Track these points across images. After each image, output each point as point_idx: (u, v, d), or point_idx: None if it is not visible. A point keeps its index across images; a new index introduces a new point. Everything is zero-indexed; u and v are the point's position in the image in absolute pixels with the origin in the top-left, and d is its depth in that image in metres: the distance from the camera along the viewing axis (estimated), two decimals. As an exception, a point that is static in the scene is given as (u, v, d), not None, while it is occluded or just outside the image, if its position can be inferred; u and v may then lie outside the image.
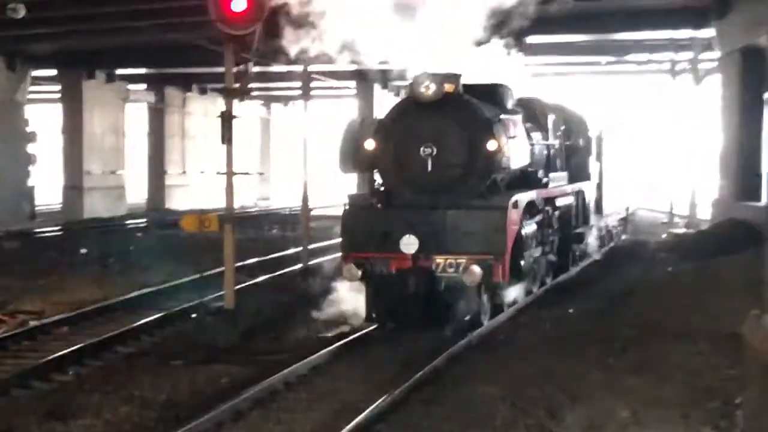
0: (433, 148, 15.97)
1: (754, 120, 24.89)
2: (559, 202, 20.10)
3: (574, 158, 22.06)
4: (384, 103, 48.02)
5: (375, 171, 17.14)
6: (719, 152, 32.20)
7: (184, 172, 51.94)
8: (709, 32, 33.11)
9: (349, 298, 18.65)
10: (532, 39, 27.38)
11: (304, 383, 13.20)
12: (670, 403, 11.70)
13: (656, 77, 45.89)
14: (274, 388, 12.60)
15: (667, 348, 14.56)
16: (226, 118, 15.67)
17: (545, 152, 19.91)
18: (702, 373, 13.00)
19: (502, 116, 17.04)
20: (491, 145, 16.10)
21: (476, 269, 15.42)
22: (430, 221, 15.80)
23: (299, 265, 21.00)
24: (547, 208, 19.11)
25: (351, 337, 15.55)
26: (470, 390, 12.62)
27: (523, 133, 17.95)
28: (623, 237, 31.85)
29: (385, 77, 46.18)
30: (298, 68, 21.05)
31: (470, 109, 16.39)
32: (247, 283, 17.10)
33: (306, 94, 21.47)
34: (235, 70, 15.83)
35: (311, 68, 21.29)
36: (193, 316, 17.41)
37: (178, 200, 49.37)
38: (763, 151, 23.59)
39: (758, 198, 22.82)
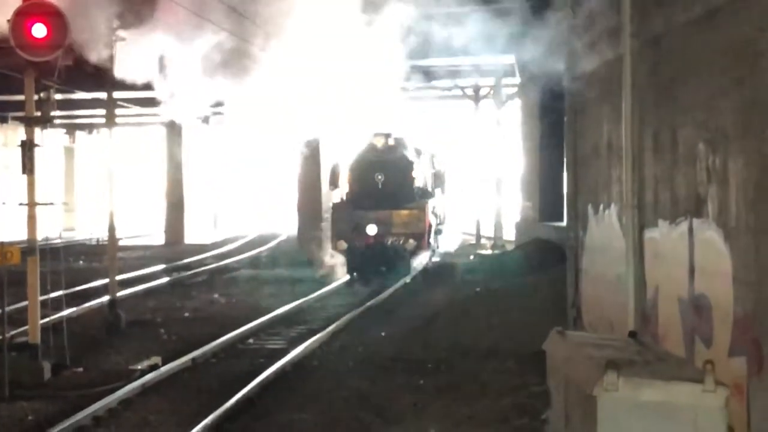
0: (382, 176, 28.89)
1: (554, 143, 25.69)
2: (437, 207, 32.27)
3: (437, 180, 33.28)
4: (193, 129, 47.67)
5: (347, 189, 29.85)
6: (521, 175, 33.12)
7: (-16, 204, 50.14)
8: (510, 58, 34.08)
9: (164, 323, 18.39)
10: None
11: (114, 417, 12.90)
12: (480, 422, 11.94)
13: (462, 102, 46.81)
14: (81, 424, 12.26)
15: (476, 368, 14.87)
16: (27, 148, 15.21)
17: (429, 177, 32.15)
18: (510, 391, 13.32)
19: (416, 157, 30.27)
20: (414, 174, 29.50)
21: (412, 242, 28.36)
22: (382, 216, 28.45)
23: (107, 297, 20.54)
24: (434, 210, 31.51)
25: (163, 368, 15.28)
26: (285, 417, 12.60)
27: (422, 166, 31.01)
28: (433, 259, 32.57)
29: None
30: (102, 95, 20.63)
31: (401, 154, 29.73)
32: (52, 317, 16.58)
33: (111, 121, 21.04)
34: (36, 97, 15.38)
35: (116, 95, 20.87)
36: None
37: (-22, 233, 47.65)
38: (563, 172, 24.39)
39: (560, 218, 23.54)
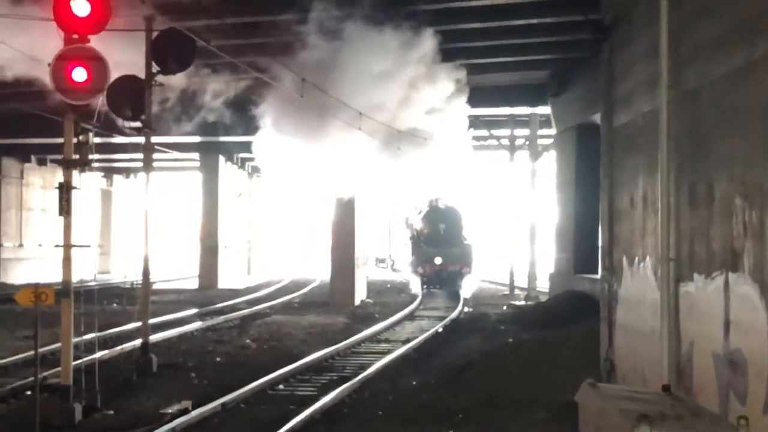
0: (444, 225, 44.85)
1: (589, 194, 25.63)
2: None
3: (465, 230, 46.13)
4: (228, 174, 47.97)
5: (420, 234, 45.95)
6: (556, 226, 33.02)
7: (21, 245, 50.46)
8: (546, 109, 34.13)
9: (195, 367, 18.31)
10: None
11: (144, 461, 12.88)
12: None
13: (496, 153, 46.92)
14: (111, 467, 12.25)
15: (507, 418, 14.75)
16: (65, 190, 15.34)
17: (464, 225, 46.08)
18: (541, 443, 13.20)
19: (461, 214, 45.89)
20: (463, 225, 45.39)
21: (467, 269, 43.52)
22: (445, 252, 43.52)
23: (139, 340, 20.59)
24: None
25: (193, 413, 15.25)
26: (313, 464, 12.52)
27: (463, 220, 45.85)
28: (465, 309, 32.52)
29: (230, 150, 46.10)
30: (140, 139, 20.79)
31: (455, 212, 45.67)
32: (85, 359, 16.62)
33: (148, 165, 21.18)
34: (75, 140, 15.52)
35: (154, 139, 21.03)
36: (28, 393, 16.84)
37: (14, 274, 47.85)
38: (599, 224, 24.35)
39: (595, 270, 23.42)
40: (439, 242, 44.18)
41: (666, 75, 12.33)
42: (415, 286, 43.69)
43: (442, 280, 43.53)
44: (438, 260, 43.30)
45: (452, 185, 43.13)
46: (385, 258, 65.18)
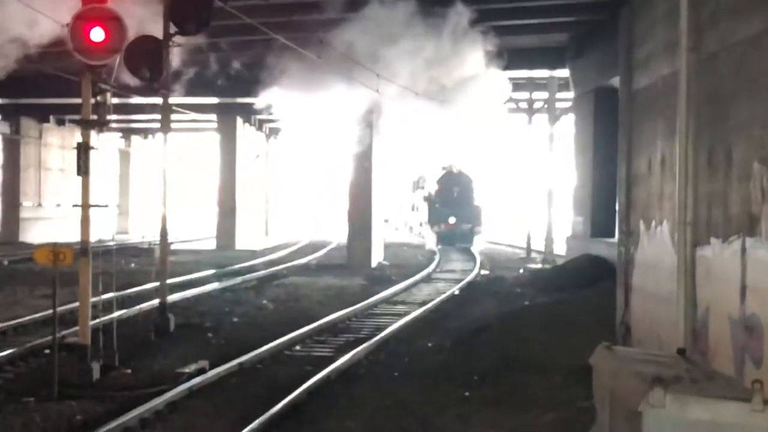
0: (457, 188, 51.29)
1: (607, 158, 25.53)
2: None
3: (475, 192, 52.39)
4: (246, 136, 47.99)
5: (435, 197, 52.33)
6: (573, 189, 32.93)
7: (40, 205, 50.66)
8: (565, 72, 33.93)
9: (212, 327, 18.41)
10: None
11: (161, 419, 12.97)
12: (525, 435, 11.87)
13: (514, 116, 46.76)
14: (128, 425, 12.34)
15: (524, 381, 14.79)
16: (83, 150, 15.36)
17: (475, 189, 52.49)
18: (556, 405, 13.23)
19: (472, 178, 52.71)
20: (474, 188, 52.23)
21: (478, 228, 50.10)
22: (458, 211, 49.74)
23: (157, 300, 20.70)
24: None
25: (210, 372, 15.35)
26: (330, 425, 12.61)
27: (473, 183, 52.68)
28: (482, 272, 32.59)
29: (248, 112, 46.06)
30: (157, 100, 20.79)
31: (467, 177, 52.42)
32: (102, 318, 16.73)
33: (166, 126, 21.19)
34: (93, 101, 15.53)
35: (172, 100, 21.04)
36: (46, 351, 16.98)
37: (33, 233, 48.07)
38: (616, 188, 24.29)
39: (612, 234, 23.39)
40: (452, 204, 50.04)
41: (686, 38, 12.25)
42: (431, 242, 49.17)
43: (456, 237, 49.10)
44: (452, 220, 49.45)
45: (467, 151, 48.91)
46: (389, 219, 65.54)
